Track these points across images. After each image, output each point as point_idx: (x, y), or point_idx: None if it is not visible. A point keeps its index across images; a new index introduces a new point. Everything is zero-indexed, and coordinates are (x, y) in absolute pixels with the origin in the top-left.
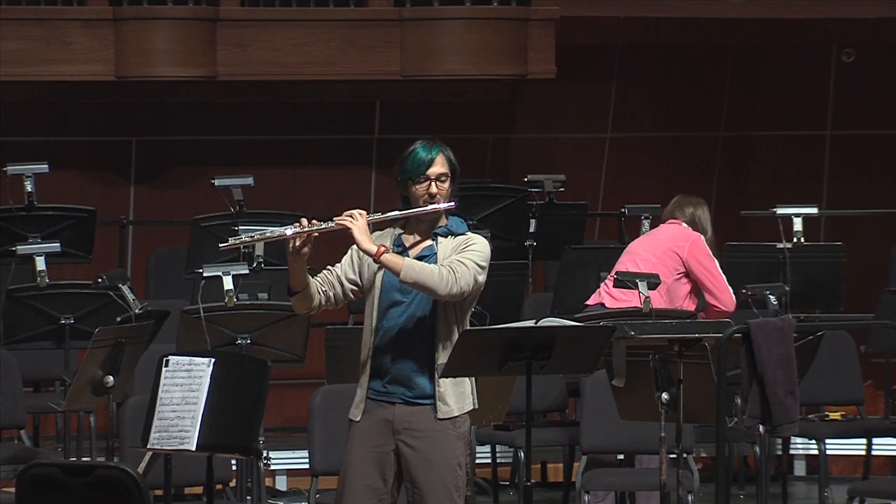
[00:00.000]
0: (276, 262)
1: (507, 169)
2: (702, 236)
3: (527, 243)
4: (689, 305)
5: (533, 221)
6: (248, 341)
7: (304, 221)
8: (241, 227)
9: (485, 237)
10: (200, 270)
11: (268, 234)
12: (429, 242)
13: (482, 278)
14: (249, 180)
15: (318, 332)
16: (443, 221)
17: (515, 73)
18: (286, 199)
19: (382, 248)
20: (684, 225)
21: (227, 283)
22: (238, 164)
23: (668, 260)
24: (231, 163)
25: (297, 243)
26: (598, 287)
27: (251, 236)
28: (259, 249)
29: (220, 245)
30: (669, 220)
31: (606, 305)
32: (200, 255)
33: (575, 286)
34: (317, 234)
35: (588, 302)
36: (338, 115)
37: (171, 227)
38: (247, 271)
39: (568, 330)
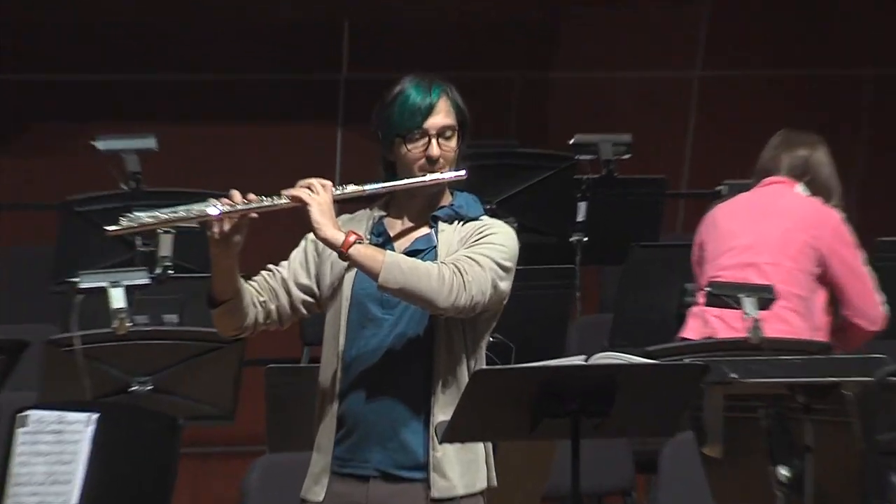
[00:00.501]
0: (193, 266)
1: (542, 125)
2: (840, 216)
3: (573, 238)
4: (823, 328)
5: (582, 206)
6: (150, 387)
7: (237, 196)
8: (137, 211)
9: (512, 227)
10: (75, 280)
11: (180, 215)
12: (425, 230)
13: (505, 286)
14: (151, 142)
15: (254, 374)
16: (446, 199)
17: None
18: (208, 169)
19: (353, 237)
20: (808, 194)
21: (117, 298)
22: (134, 119)
23: (805, 259)
24: (124, 116)
25: (226, 228)
26: (692, 305)
27: (154, 216)
28: (165, 247)
29: (106, 229)
30: (771, 180)
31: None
32: (75, 256)
33: (646, 303)
34: (255, 214)
35: (685, 334)
36: (286, 43)
37: (29, 215)
38: (147, 281)
39: (636, 370)
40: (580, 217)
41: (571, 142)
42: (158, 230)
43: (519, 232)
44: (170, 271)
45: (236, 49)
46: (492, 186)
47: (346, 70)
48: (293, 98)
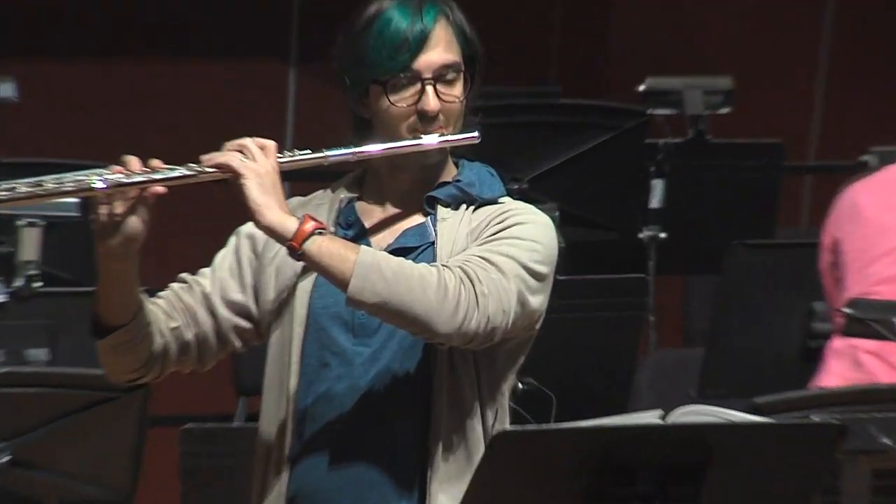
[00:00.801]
0: (71, 276)
1: (596, 65)
2: None
3: (644, 234)
4: None
5: (658, 185)
6: (7, 458)
7: (134, 163)
8: None
9: (550, 215)
10: None
11: (46, 187)
12: (417, 219)
13: (537, 302)
14: (8, 89)
15: (164, 437)
16: (449, 174)
17: None
18: (99, 130)
19: (310, 225)
20: None
21: None
22: None
23: None
24: None
25: (117, 209)
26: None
27: (6, 192)
28: (29, 246)
29: None
30: None
31: None
32: None
33: (753, 331)
34: (162, 188)
35: (825, 380)
36: None
37: None
38: (2, 298)
39: (738, 432)
40: (655, 202)
41: (641, 88)
42: (18, 220)
43: (562, 223)
44: (36, 283)
45: None
46: (521, 156)
47: None
48: (232, 26)
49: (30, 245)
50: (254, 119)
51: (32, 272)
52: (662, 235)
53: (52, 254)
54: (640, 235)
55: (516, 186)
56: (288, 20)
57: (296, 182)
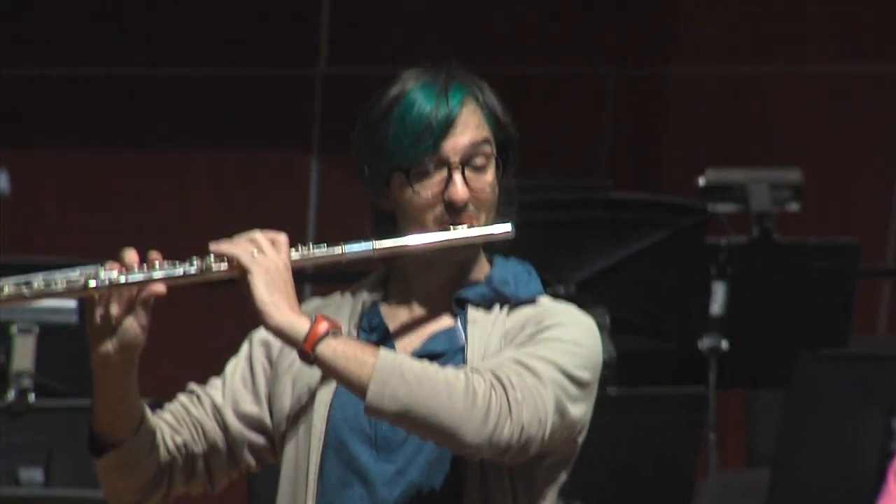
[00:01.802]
0: (68, 387)
1: (652, 156)
2: None
3: (704, 343)
4: None
5: (720, 289)
6: None
7: (132, 257)
8: None
9: (600, 322)
10: None
11: (36, 286)
12: (446, 322)
13: (578, 412)
14: (1, 180)
15: None
16: (481, 271)
17: None
18: (100, 225)
19: (323, 326)
20: None
21: None
22: None
23: None
24: None
25: (114, 310)
26: None
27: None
28: (23, 355)
29: None
30: None
31: None
32: None
33: (825, 452)
34: (162, 288)
35: None
36: (228, 23)
37: None
38: None
39: None
40: (716, 308)
41: (700, 182)
42: (10, 325)
43: (613, 331)
44: (29, 396)
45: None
46: (568, 256)
47: (324, 61)
48: (248, 108)
49: (23, 354)
50: (272, 212)
51: (25, 384)
52: (724, 345)
53: (46, 363)
54: (700, 345)
55: (562, 289)
56: (310, 107)
57: (317, 284)
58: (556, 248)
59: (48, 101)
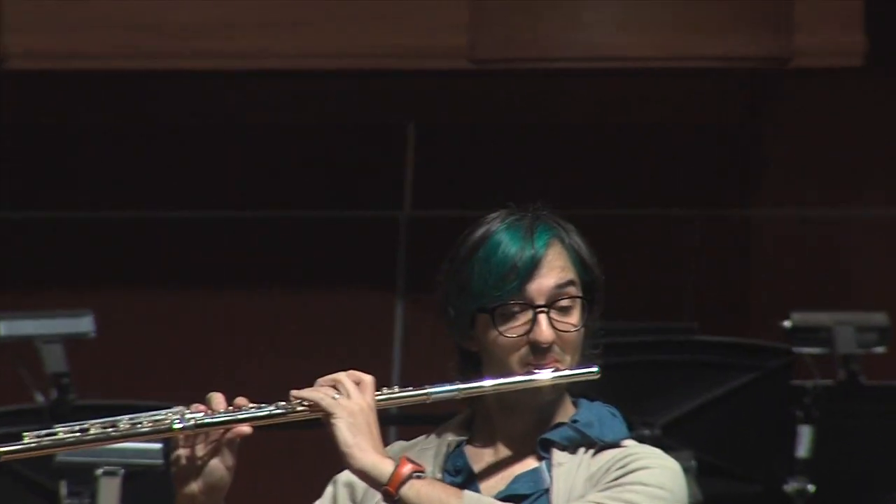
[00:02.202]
0: None
1: (737, 299)
2: None
3: (790, 486)
4: None
5: (805, 432)
6: None
7: (218, 400)
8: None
9: (686, 465)
10: None
11: (122, 429)
12: (530, 463)
13: None
14: (85, 323)
15: None
16: (565, 413)
17: (760, 53)
18: (184, 369)
19: (407, 469)
20: None
21: None
22: (60, 283)
23: None
24: (44, 279)
25: (199, 451)
26: None
27: (77, 432)
28: (108, 496)
29: (0, 450)
30: None
31: None
32: None
33: None
34: (248, 428)
35: None
36: (312, 164)
37: None
38: None
39: None
40: (802, 451)
41: (785, 324)
42: (96, 468)
43: (699, 473)
44: None
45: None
46: (653, 398)
47: (410, 204)
48: (332, 256)
49: (108, 496)
50: (358, 354)
51: None
52: (811, 488)
53: None
54: (786, 488)
55: (648, 432)
56: (394, 249)
57: (403, 427)
58: (642, 391)
59: (133, 242)
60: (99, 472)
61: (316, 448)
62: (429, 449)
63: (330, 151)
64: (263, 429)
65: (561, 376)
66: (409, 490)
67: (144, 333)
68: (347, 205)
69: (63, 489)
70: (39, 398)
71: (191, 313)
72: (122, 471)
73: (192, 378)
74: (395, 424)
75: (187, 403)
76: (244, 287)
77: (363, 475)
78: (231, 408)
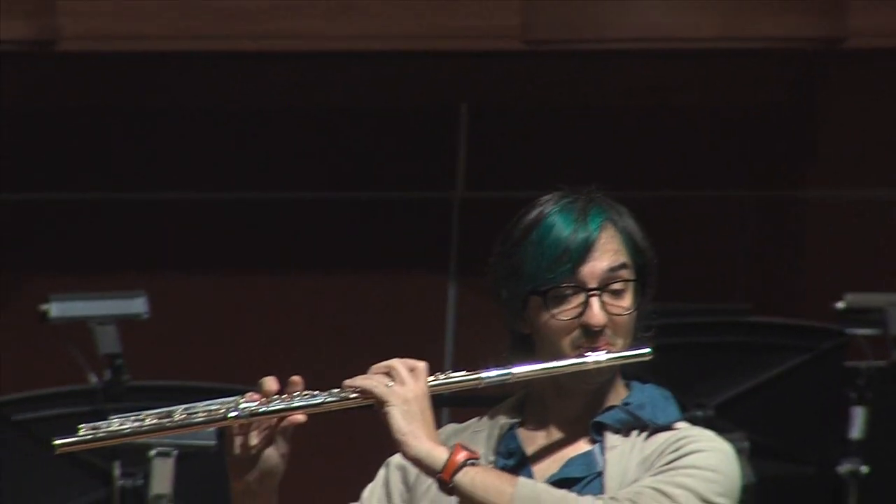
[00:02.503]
0: None
1: (790, 280)
2: None
3: (843, 468)
4: None
5: (858, 413)
6: None
7: (271, 386)
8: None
9: (738, 446)
10: None
11: (178, 419)
12: (583, 446)
13: None
14: (138, 304)
15: None
16: (618, 396)
17: (815, 34)
18: (238, 349)
19: (461, 456)
20: None
21: None
22: (112, 266)
23: None
24: (95, 262)
25: (253, 440)
26: None
27: (133, 422)
28: (161, 480)
29: (56, 444)
30: None
31: None
32: (7, 491)
33: None
34: (302, 417)
35: None
36: (365, 146)
37: None
38: None
39: None
40: (855, 433)
41: (839, 305)
42: (150, 449)
43: (751, 455)
44: None
45: (285, 152)
46: (706, 380)
47: (462, 186)
48: (385, 236)
49: (162, 478)
50: (410, 336)
51: None
52: (864, 470)
53: (185, 487)
54: (839, 470)
55: (701, 413)
56: (447, 231)
57: (455, 408)
58: (694, 372)
59: (188, 224)
60: (152, 453)
61: (370, 431)
62: (481, 432)
63: (383, 133)
64: (316, 414)
65: (613, 359)
66: (463, 477)
67: (198, 315)
68: (400, 187)
69: (117, 470)
70: (93, 379)
71: (243, 295)
72: (176, 452)
73: (244, 360)
74: (447, 406)
75: (239, 385)
76: (296, 269)
77: (417, 463)
78: (285, 395)
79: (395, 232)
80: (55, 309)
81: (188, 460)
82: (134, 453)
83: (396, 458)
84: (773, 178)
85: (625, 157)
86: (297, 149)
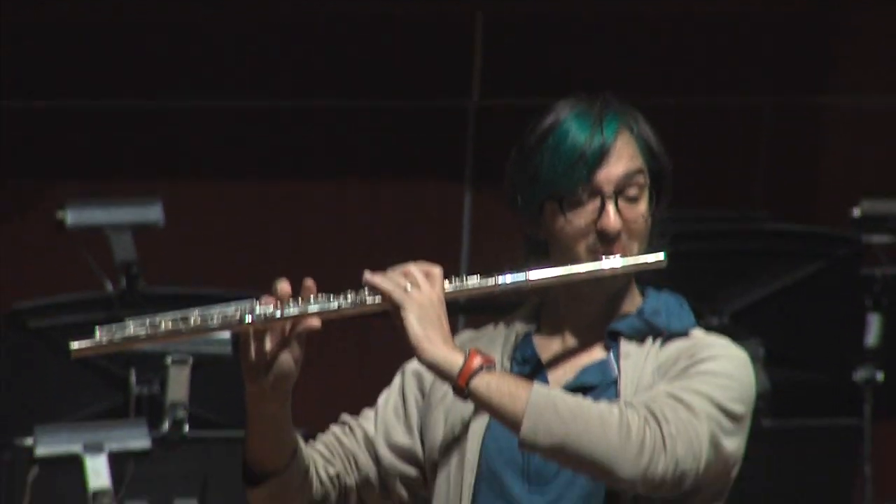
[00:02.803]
0: (223, 419)
1: (808, 188)
2: None
3: (858, 374)
4: None
5: (874, 320)
6: None
7: (284, 289)
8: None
9: (754, 353)
10: (27, 440)
11: (192, 324)
12: (598, 354)
13: (733, 445)
14: (154, 212)
15: None
16: (633, 303)
17: None
18: (254, 256)
19: (477, 361)
20: None
21: (97, 473)
22: (127, 173)
23: None
24: (110, 169)
25: (267, 345)
26: None
27: (147, 326)
28: (178, 387)
29: (73, 348)
30: None
31: None
32: (28, 401)
33: None
34: (317, 321)
35: None
36: (381, 55)
37: None
38: (147, 444)
39: None
40: (871, 340)
41: (854, 213)
42: (165, 356)
43: (767, 362)
44: (184, 427)
45: (298, 59)
46: (722, 287)
47: (477, 94)
48: (399, 144)
49: (178, 385)
50: (426, 243)
51: (180, 415)
52: (879, 376)
53: (201, 394)
54: (855, 376)
55: (716, 321)
56: (463, 138)
57: (472, 316)
58: (710, 279)
59: (204, 132)
60: (168, 360)
61: (387, 338)
62: (497, 338)
63: (398, 42)
64: (332, 319)
65: (628, 264)
66: (478, 383)
67: (213, 222)
68: (416, 95)
69: (133, 377)
70: (109, 287)
71: (259, 203)
72: (191, 359)
73: (260, 267)
74: (464, 314)
75: (255, 292)
76: (312, 177)
77: (433, 367)
78: (300, 299)
79: (412, 140)
80: (71, 216)
81: (203, 367)
82: (150, 360)
83: (412, 365)
84: (791, 85)
85: (642, 64)
86: (311, 57)
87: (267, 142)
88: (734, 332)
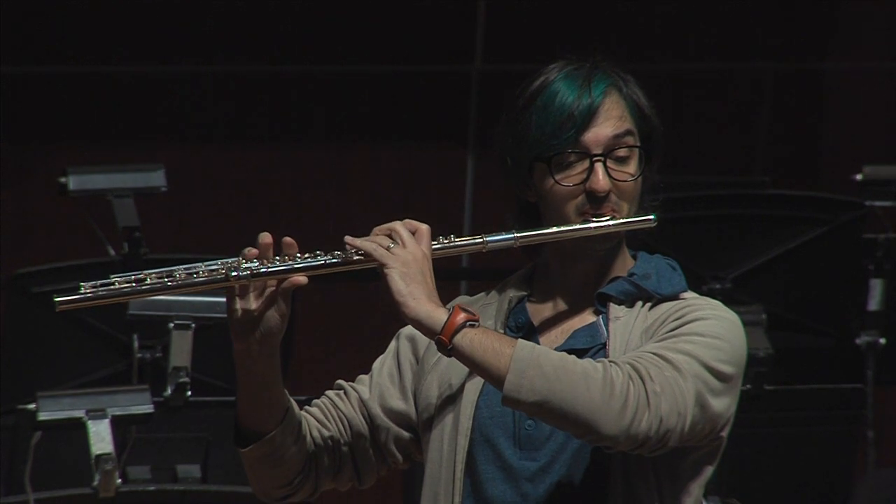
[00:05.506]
0: (227, 384)
1: (811, 153)
2: None
3: (861, 339)
4: None
5: (876, 285)
6: None
7: (266, 239)
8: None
9: (756, 318)
10: (30, 405)
11: (177, 278)
12: (587, 317)
13: (720, 405)
14: (157, 177)
15: None
16: (623, 266)
17: None
18: (253, 222)
19: (461, 317)
20: None
21: (100, 438)
22: (128, 138)
23: None
24: (112, 134)
25: (252, 303)
26: None
27: (132, 282)
28: (181, 351)
29: (57, 301)
30: None
31: None
32: (30, 366)
33: None
34: (302, 277)
35: None
36: (384, 20)
37: None
38: (149, 409)
39: None
40: (873, 304)
41: (857, 177)
42: (168, 322)
43: (770, 327)
44: (187, 392)
45: (304, 26)
46: (724, 252)
47: (480, 59)
48: (398, 102)
49: (180, 350)
50: (428, 207)
51: (183, 380)
52: (882, 341)
53: (204, 359)
54: (857, 341)
55: (718, 286)
56: (466, 103)
57: (473, 282)
58: (712, 244)
59: (205, 97)
60: (171, 325)
61: (384, 304)
62: (490, 305)
63: (402, 6)
64: (320, 275)
65: (617, 224)
66: (462, 338)
67: (215, 187)
68: (419, 59)
69: (136, 342)
70: (111, 252)
71: (262, 168)
72: (194, 324)
73: (259, 230)
74: (465, 279)
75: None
76: (316, 141)
77: (417, 324)
78: (285, 256)
79: (415, 104)
80: (73, 182)
81: (206, 332)
82: (152, 326)
83: (407, 330)
84: (793, 50)
85: (645, 29)
86: (315, 22)
87: (270, 107)
88: (736, 296)
